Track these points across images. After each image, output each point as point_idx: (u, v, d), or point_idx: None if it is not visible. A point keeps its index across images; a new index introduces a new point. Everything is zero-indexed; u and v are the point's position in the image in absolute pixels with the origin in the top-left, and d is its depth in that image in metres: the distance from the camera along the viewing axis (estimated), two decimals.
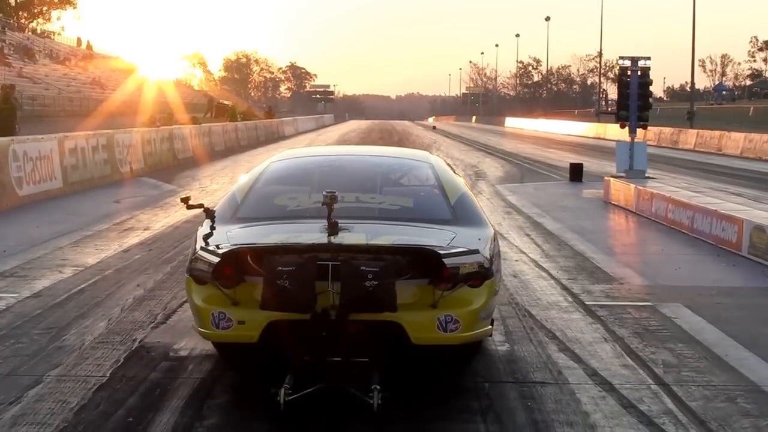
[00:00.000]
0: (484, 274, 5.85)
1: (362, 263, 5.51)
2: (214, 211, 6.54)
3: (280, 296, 5.51)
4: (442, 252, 5.72)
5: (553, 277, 10.25)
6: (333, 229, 5.83)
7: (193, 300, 6.03)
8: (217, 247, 5.86)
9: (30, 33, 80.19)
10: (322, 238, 5.79)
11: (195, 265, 5.93)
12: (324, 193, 5.94)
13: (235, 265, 5.75)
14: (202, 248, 5.94)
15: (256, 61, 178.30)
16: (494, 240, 6.53)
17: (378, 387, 5.51)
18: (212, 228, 6.28)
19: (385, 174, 7.46)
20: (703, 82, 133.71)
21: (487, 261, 5.93)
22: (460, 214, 6.71)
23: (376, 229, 6.16)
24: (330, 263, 5.57)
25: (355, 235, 5.91)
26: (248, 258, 5.77)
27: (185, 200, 6.56)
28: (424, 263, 5.72)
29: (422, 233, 6.20)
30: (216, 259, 5.73)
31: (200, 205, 6.47)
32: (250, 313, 5.74)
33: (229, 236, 6.09)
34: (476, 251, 5.89)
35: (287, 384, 5.55)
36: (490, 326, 6.29)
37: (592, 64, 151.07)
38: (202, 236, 6.15)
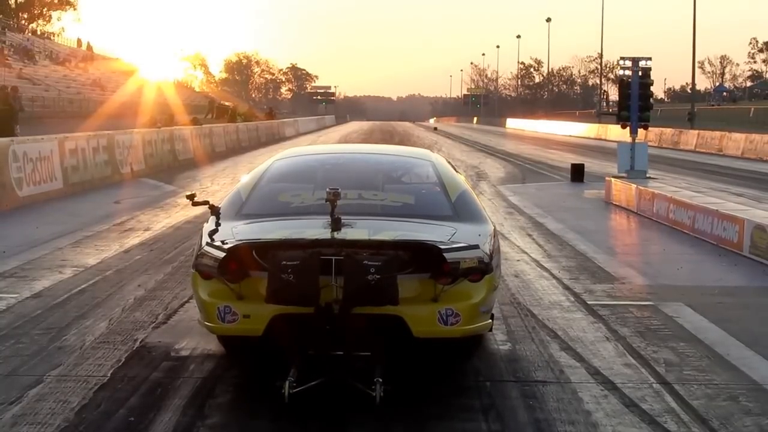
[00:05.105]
0: (483, 269, 5.94)
1: (365, 258, 5.57)
2: (219, 208, 6.63)
3: (284, 290, 5.57)
4: (442, 247, 5.80)
5: (555, 277, 10.24)
6: (336, 224, 5.92)
7: (199, 295, 6.10)
8: (223, 242, 5.95)
9: (30, 34, 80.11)
10: (325, 233, 5.85)
11: (201, 260, 6.02)
12: (327, 190, 6.01)
13: (240, 260, 5.83)
14: (207, 244, 6.04)
15: (257, 63, 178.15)
16: (494, 236, 6.59)
17: (380, 380, 5.56)
18: (217, 224, 6.37)
19: (387, 172, 7.54)
20: (702, 84, 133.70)
21: (486, 256, 6.01)
22: (461, 210, 6.78)
23: (378, 224, 6.23)
24: (333, 258, 5.63)
25: (357, 230, 5.98)
26: (253, 253, 5.85)
27: (191, 197, 6.71)
28: (426, 258, 5.79)
29: (423, 229, 6.27)
30: (221, 255, 5.82)
31: (205, 202, 6.63)
32: (255, 307, 5.82)
33: (234, 232, 6.16)
34: (476, 246, 5.98)
35: (291, 377, 5.60)
36: (489, 320, 6.41)
37: (593, 66, 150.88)
38: (208, 232, 6.25)
